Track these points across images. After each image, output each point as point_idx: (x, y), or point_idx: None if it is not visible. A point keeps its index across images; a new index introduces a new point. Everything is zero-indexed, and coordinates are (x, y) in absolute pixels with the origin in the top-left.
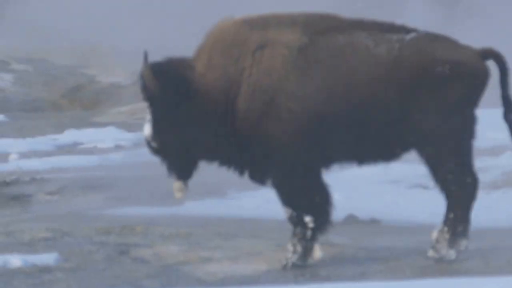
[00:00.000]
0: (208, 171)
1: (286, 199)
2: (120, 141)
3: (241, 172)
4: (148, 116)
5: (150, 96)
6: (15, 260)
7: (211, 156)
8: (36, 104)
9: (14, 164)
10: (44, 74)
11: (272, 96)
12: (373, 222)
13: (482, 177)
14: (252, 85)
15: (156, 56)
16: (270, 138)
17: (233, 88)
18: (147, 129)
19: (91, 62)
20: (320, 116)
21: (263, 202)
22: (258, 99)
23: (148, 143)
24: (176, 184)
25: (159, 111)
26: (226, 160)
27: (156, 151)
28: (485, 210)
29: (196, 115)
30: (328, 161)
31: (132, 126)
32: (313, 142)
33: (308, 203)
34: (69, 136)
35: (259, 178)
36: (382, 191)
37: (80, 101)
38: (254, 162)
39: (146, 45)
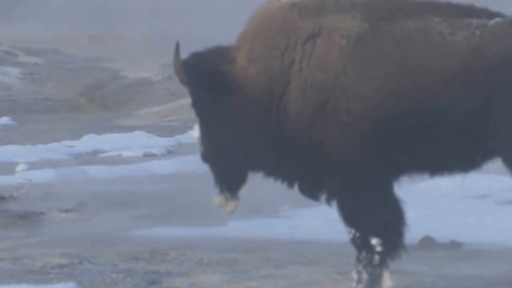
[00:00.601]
0: (256, 184)
1: (349, 217)
2: (150, 148)
3: (290, 184)
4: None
5: (191, 89)
6: None
7: (255, 165)
8: (49, 104)
9: (22, 176)
10: (58, 68)
11: (328, 95)
12: (454, 245)
13: None
14: (303, 83)
15: (192, 47)
16: (326, 145)
17: (279, 85)
18: (196, 131)
19: (115, 53)
20: (385, 118)
21: (322, 222)
22: (310, 99)
23: (200, 146)
24: (220, 198)
25: (197, 110)
26: (272, 170)
27: (202, 156)
28: None
29: (236, 115)
30: (395, 172)
31: (164, 130)
32: (378, 149)
33: (376, 222)
34: (88, 142)
35: (312, 191)
36: (465, 209)
37: (102, 100)
38: (306, 172)
39: (179, 34)
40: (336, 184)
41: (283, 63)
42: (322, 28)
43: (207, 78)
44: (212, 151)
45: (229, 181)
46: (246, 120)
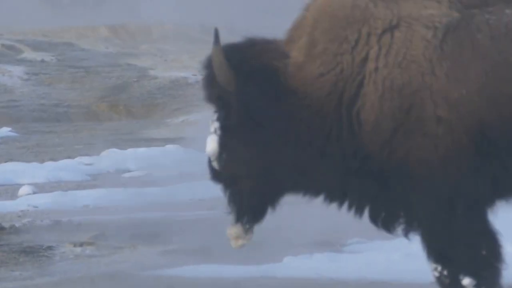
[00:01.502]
0: (316, 211)
1: (436, 251)
2: (186, 165)
3: (359, 211)
4: (214, 125)
5: (220, 94)
6: None
7: (311, 186)
8: (60, 112)
9: (27, 201)
10: (71, 66)
11: (412, 100)
12: None
13: None
14: (380, 85)
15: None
16: (410, 163)
17: (349, 88)
18: (212, 144)
19: (143, 48)
20: (482, 128)
21: (399, 258)
22: (390, 105)
23: (211, 164)
24: (237, 228)
25: (231, 117)
26: (336, 193)
27: (220, 176)
28: None
29: (289, 125)
30: (493, 195)
31: (205, 144)
32: (474, 166)
33: (469, 257)
34: (109, 159)
35: (387, 220)
36: None
37: (127, 106)
38: (381, 196)
39: (222, 25)
40: (420, 210)
41: (354, 60)
42: (402, 17)
43: (259, 75)
44: (237, 169)
45: (255, 208)
46: (301, 130)
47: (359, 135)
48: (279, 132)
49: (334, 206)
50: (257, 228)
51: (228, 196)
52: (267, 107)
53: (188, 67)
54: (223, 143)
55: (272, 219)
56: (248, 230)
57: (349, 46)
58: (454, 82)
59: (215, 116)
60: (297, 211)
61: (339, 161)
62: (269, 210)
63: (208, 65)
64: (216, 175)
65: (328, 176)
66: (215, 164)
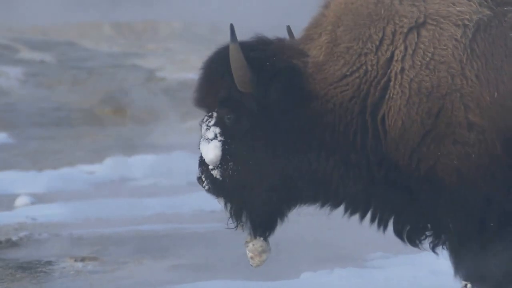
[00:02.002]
0: (336, 224)
1: (466, 266)
2: (194, 174)
3: (383, 224)
4: (212, 130)
5: (229, 96)
6: None
7: (331, 196)
8: (60, 116)
9: (24, 212)
10: (72, 67)
11: (441, 104)
12: None
13: None
14: (407, 88)
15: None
16: (439, 172)
17: (373, 91)
18: (215, 151)
19: (150, 47)
20: None
21: (425, 274)
22: (418, 110)
23: (208, 173)
24: (261, 242)
25: (244, 121)
26: (358, 204)
27: (222, 186)
28: None
29: (311, 131)
30: None
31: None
32: (509, 176)
33: (501, 274)
34: (112, 167)
35: (413, 234)
36: None
37: (132, 110)
38: (407, 208)
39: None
40: (450, 223)
41: (378, 61)
42: (429, 14)
43: (280, 76)
44: (248, 178)
45: (269, 219)
46: (325, 137)
47: (385, 143)
48: (301, 138)
49: (355, 218)
50: (274, 242)
51: (234, 208)
52: (288, 111)
53: (197, 68)
54: (230, 150)
55: (288, 231)
56: (266, 244)
57: (373, 46)
58: (485, 84)
59: (211, 121)
60: (315, 223)
61: (363, 170)
62: (281, 222)
63: (212, 63)
64: (217, 186)
65: (351, 186)
66: (216, 173)
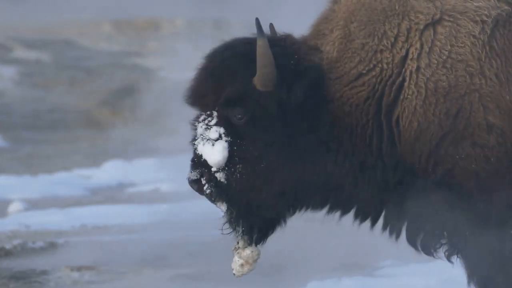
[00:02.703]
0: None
1: (482, 276)
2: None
3: (395, 230)
4: (215, 130)
5: (246, 93)
6: None
7: (342, 202)
8: (56, 118)
9: (18, 219)
10: (70, 67)
11: (460, 104)
12: None
13: None
14: (423, 87)
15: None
16: (458, 175)
17: (388, 91)
18: (220, 151)
19: (151, 46)
20: None
21: (436, 283)
22: (435, 111)
23: (210, 175)
24: (247, 252)
25: (258, 122)
26: (370, 210)
27: (225, 190)
28: None
29: (330, 133)
30: None
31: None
32: None
33: None
34: (111, 172)
35: (428, 242)
36: None
37: (132, 112)
38: (423, 215)
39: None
40: (467, 230)
41: (393, 59)
42: (445, 10)
43: (303, 74)
44: (257, 181)
45: (265, 227)
46: (344, 140)
47: (400, 145)
48: (320, 141)
49: (364, 224)
50: (278, 249)
51: (237, 213)
52: (308, 112)
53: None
54: (240, 152)
55: (295, 238)
56: (257, 252)
57: (388, 43)
58: (505, 83)
59: (211, 120)
60: (323, 230)
61: (378, 174)
62: (277, 229)
63: (220, 58)
64: (221, 190)
65: (365, 191)
66: (221, 176)
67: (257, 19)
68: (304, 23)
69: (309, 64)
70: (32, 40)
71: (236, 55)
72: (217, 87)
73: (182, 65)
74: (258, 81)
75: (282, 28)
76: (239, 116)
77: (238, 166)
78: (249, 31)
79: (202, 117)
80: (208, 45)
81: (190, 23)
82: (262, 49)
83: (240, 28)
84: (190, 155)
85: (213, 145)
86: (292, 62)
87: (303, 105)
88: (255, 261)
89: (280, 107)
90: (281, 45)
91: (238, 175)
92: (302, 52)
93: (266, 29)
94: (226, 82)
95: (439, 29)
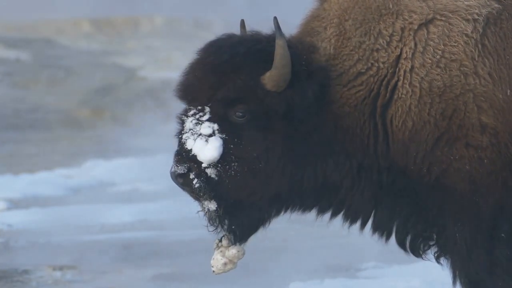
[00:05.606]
0: (324, 231)
1: (471, 278)
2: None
3: (386, 232)
4: (206, 125)
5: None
6: None
7: (334, 203)
8: (37, 118)
9: (0, 218)
10: (50, 66)
11: (455, 104)
12: None
13: None
14: (418, 86)
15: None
16: (451, 176)
17: (384, 90)
18: (214, 148)
19: (130, 45)
20: None
21: (420, 284)
22: (431, 111)
23: (200, 171)
24: (233, 251)
25: (259, 121)
26: (362, 211)
27: (215, 186)
28: None
29: (332, 134)
30: None
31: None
32: None
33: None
34: (92, 171)
35: (418, 243)
36: None
37: (112, 111)
38: (415, 217)
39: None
40: (458, 231)
41: (389, 58)
42: (438, 9)
43: (319, 76)
44: (251, 180)
45: (250, 225)
46: (345, 141)
47: (394, 146)
48: (322, 142)
49: (346, 225)
50: (261, 249)
51: (224, 211)
52: (314, 113)
53: (181, 66)
54: (236, 149)
55: (278, 239)
56: (242, 250)
57: (384, 42)
58: (498, 82)
59: (203, 116)
60: (305, 231)
61: (374, 175)
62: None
63: (222, 54)
64: (210, 186)
65: (360, 193)
66: (212, 172)
67: (275, 18)
68: (285, 23)
69: (318, 64)
70: (11, 39)
71: (248, 52)
72: (216, 83)
73: (161, 64)
74: (270, 80)
75: (265, 28)
76: (240, 114)
77: (233, 164)
78: (229, 30)
79: (192, 112)
80: (187, 44)
81: (168, 22)
82: (282, 50)
83: (220, 27)
84: (172, 152)
85: (206, 141)
86: (303, 62)
87: (309, 106)
88: (239, 260)
89: (287, 107)
90: (289, 45)
91: (232, 173)
92: (306, 52)
93: (236, 29)
94: (227, 79)
95: (432, 28)
